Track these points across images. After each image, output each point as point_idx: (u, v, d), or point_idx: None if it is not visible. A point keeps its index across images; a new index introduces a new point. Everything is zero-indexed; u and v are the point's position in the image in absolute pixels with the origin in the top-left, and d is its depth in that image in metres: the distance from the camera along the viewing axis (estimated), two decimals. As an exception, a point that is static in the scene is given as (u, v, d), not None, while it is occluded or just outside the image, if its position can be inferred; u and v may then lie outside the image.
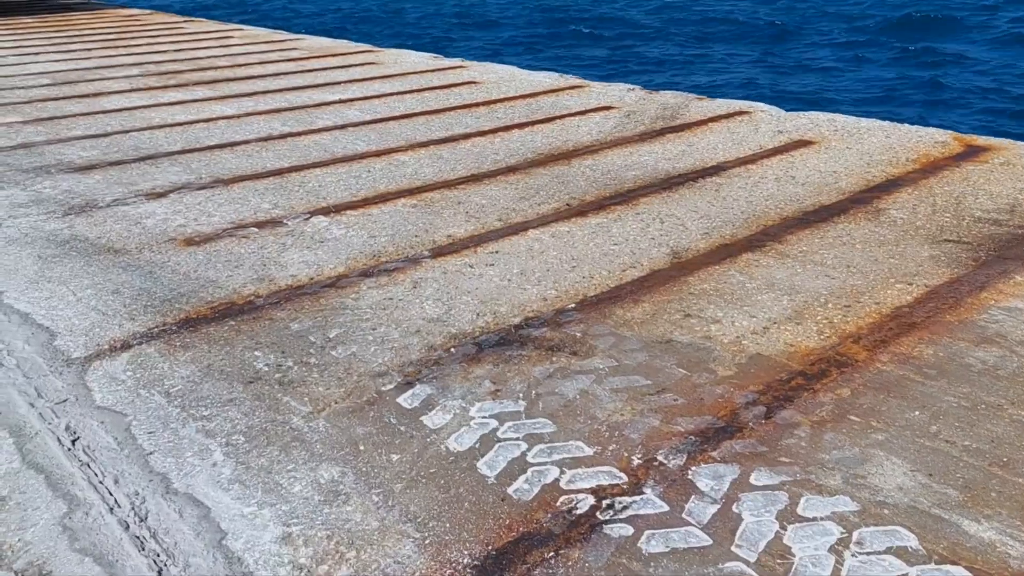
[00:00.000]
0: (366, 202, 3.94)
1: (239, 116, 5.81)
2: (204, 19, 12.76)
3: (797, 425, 2.05)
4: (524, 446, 1.99)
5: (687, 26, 22.35)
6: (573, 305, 2.79)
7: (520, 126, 5.43)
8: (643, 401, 2.18)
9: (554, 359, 2.43)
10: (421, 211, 3.81)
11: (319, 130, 5.38)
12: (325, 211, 3.81)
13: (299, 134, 5.28)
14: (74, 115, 5.86)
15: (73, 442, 2.06)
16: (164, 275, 3.11)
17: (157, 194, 4.09)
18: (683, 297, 2.84)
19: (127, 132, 5.36)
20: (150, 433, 2.08)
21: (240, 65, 7.99)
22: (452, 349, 2.51)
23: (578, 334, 2.58)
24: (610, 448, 1.98)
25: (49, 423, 2.15)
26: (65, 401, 2.25)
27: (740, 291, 2.87)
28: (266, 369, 2.41)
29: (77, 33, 10.70)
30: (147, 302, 2.88)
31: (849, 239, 3.34)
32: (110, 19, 12.49)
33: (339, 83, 7.02)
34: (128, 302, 2.88)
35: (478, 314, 2.74)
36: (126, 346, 2.56)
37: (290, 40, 9.86)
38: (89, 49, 9.18)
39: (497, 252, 3.30)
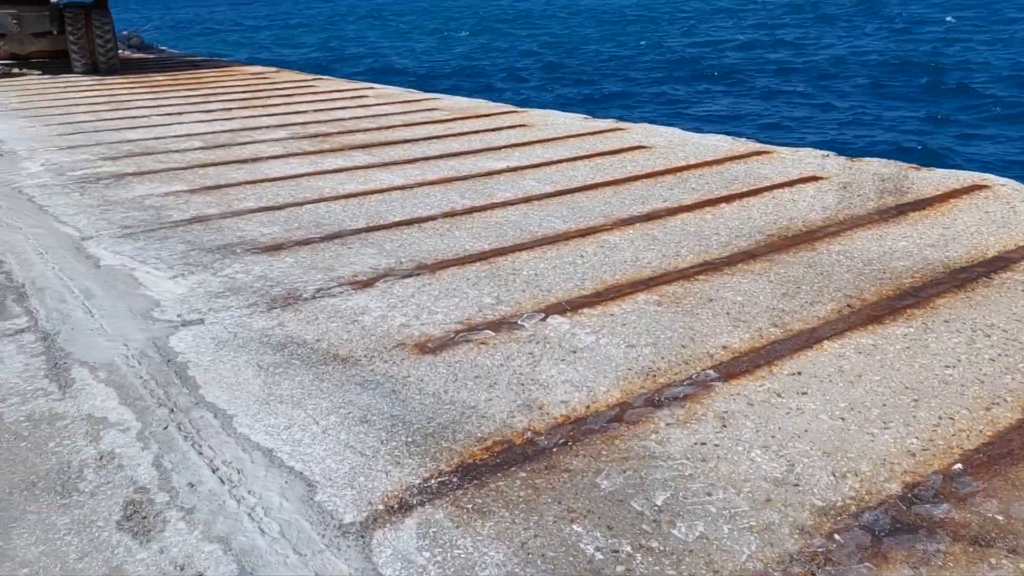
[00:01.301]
0: (600, 297, 3.41)
1: (410, 186, 5.43)
2: (331, 77, 12.79)
3: None
4: None
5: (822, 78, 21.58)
6: (959, 466, 2.16)
7: (725, 200, 4.86)
8: None
9: (990, 559, 1.80)
10: (670, 311, 3.25)
11: (503, 204, 4.93)
12: (558, 309, 3.30)
13: (484, 208, 4.84)
14: (239, 183, 5.60)
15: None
16: (411, 396, 2.62)
17: (361, 283, 3.67)
18: (1099, 456, 2.17)
19: (301, 204, 5.02)
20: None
21: (387, 127, 7.72)
22: (836, 535, 1.90)
23: (998, 516, 1.94)
24: None
25: (353, 636, 1.64)
26: (362, 597, 1.74)
27: None
28: (600, 558, 1.85)
29: (211, 92, 10.76)
30: (407, 437, 2.38)
31: None
32: (239, 77, 12.64)
33: (498, 148, 6.62)
34: (384, 436, 2.39)
35: (835, 474, 2.14)
36: (406, 507, 2.05)
37: (427, 99, 9.63)
38: (229, 109, 9.13)
39: (800, 374, 2.69)
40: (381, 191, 5.33)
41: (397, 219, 4.68)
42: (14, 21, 12.81)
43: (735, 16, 40.56)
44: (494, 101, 9.78)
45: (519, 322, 3.18)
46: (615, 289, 3.51)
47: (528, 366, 2.82)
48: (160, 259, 4.04)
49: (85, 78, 12.69)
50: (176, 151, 6.77)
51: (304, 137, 7.29)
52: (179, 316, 3.33)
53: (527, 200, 4.99)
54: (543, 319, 3.20)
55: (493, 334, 3.08)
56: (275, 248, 4.19)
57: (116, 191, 5.42)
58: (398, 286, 3.62)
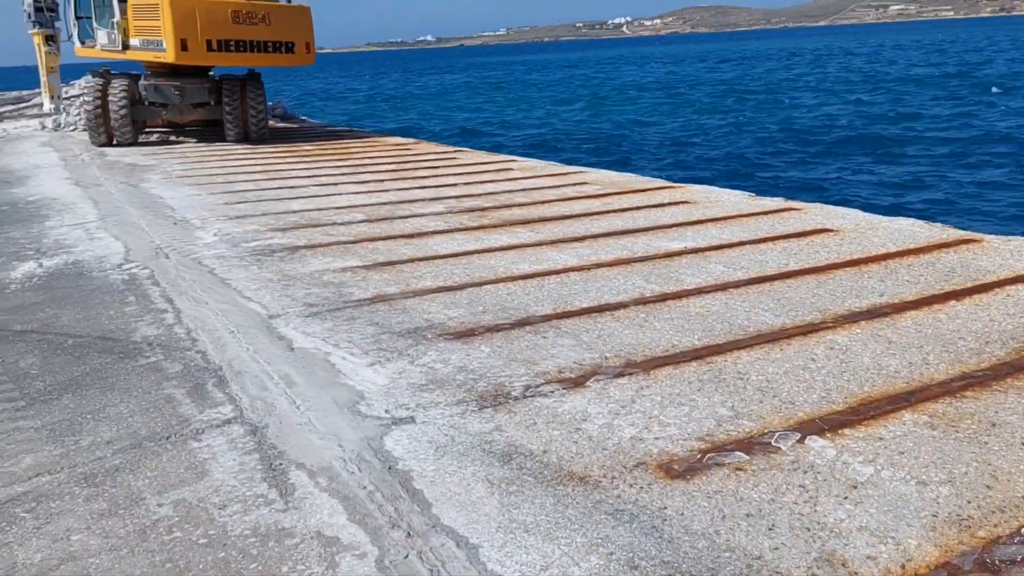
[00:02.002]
0: (857, 415, 2.97)
1: (586, 267, 5.16)
2: (470, 149, 12.94)
3: None
4: None
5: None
6: None
7: (953, 296, 4.33)
8: None
9: None
10: (951, 438, 2.77)
11: (696, 291, 4.57)
12: (813, 428, 2.87)
13: (676, 296, 4.49)
14: (411, 260, 5.48)
15: None
16: (678, 535, 2.25)
17: (571, 381, 3.36)
18: None
19: (479, 285, 4.82)
20: None
21: (542, 202, 7.55)
22: None
23: None
24: None
25: None
26: None
27: None
28: None
29: (359, 163, 10.99)
30: (693, 594, 2.00)
31: None
32: (382, 147, 12.94)
33: (667, 226, 6.30)
34: (665, 591, 2.02)
35: None
36: None
37: (574, 172, 9.47)
38: (380, 180, 9.23)
39: None
40: (557, 272, 5.07)
41: (584, 305, 4.39)
42: (176, 92, 13.63)
43: (852, 90, 39.46)
44: (627, 172, 9.54)
45: (772, 443, 2.77)
46: (870, 404, 3.05)
47: (805, 503, 2.40)
48: (353, 343, 3.87)
49: (238, 146, 13.30)
50: (340, 223, 6.79)
51: (461, 211, 7.19)
52: (387, 412, 3.10)
53: (722, 288, 4.61)
54: (800, 440, 2.78)
55: (747, 457, 2.68)
56: (467, 334, 3.96)
57: (292, 265, 5.40)
58: (613, 387, 3.28)
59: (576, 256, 5.45)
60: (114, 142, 13.46)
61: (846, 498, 2.42)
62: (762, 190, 8.72)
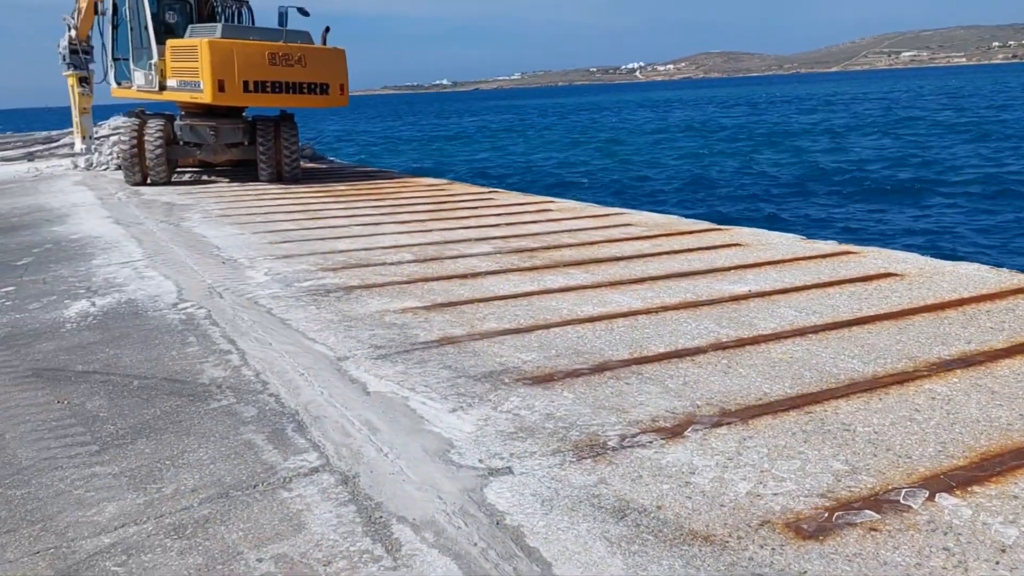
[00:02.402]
0: (983, 471, 2.80)
1: (653, 310, 5.03)
2: (503, 189, 12.93)
3: None
4: None
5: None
6: None
7: (1045, 344, 4.17)
8: None
9: None
10: (1091, 497, 2.60)
11: (774, 337, 4.42)
12: (939, 484, 2.71)
13: (753, 341, 4.35)
14: (470, 300, 5.37)
15: None
16: (827, 604, 2.09)
17: (667, 431, 3.21)
18: None
19: (547, 327, 4.70)
20: None
21: (589, 243, 7.45)
22: None
23: None
24: None
25: None
26: None
27: None
28: None
29: (396, 203, 10.97)
30: (863, 672, 1.84)
31: None
32: (416, 188, 12.95)
33: (725, 269, 6.17)
34: (832, 668, 1.85)
35: None
36: None
37: (615, 214, 9.40)
38: (422, 220, 9.19)
39: None
40: (624, 315, 4.95)
41: (661, 349, 4.25)
42: (212, 132, 13.76)
43: (876, 132, 39.56)
44: (661, 212, 9.45)
45: (900, 500, 2.61)
46: (993, 459, 2.89)
47: (955, 568, 2.23)
48: (429, 387, 3.74)
49: (272, 186, 13.36)
50: (391, 263, 6.71)
51: (510, 252, 7.10)
52: (481, 462, 2.96)
53: (799, 333, 4.47)
54: (929, 498, 2.62)
55: (878, 516, 2.52)
56: (545, 379, 3.82)
57: (351, 305, 5.30)
58: (713, 438, 3.13)
59: (640, 299, 5.33)
60: (148, 181, 13.56)
61: (997, 563, 2.25)
62: (807, 233, 8.61)
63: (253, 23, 15.27)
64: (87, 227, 9.11)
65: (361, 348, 4.38)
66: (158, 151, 13.36)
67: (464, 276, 6.14)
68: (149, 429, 3.43)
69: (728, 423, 3.27)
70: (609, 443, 3.11)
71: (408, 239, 7.92)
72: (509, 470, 2.89)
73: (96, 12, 15.24)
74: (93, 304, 5.61)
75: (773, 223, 15.69)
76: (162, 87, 13.77)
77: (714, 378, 3.80)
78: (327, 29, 14.22)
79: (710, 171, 27.89)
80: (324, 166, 17.98)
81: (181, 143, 13.81)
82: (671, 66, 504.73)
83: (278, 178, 13.94)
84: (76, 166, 17.52)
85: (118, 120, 24.24)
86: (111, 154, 17.25)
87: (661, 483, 2.78)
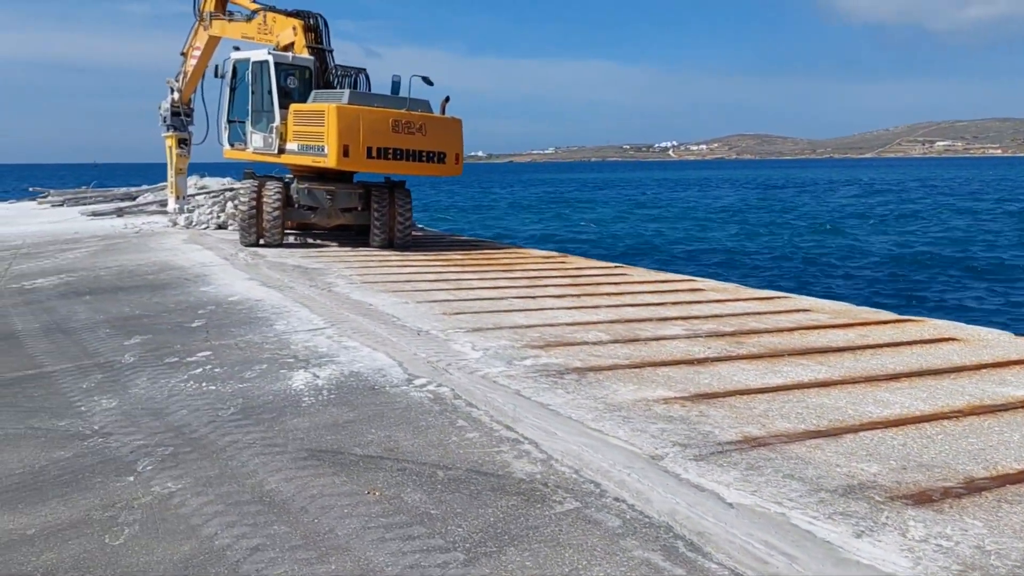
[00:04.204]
0: None
1: (945, 415, 4.57)
2: (625, 264, 12.63)
3: None
4: None
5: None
6: None
7: None
8: None
9: None
10: None
11: (1125, 454, 3.94)
12: None
13: (1108, 459, 3.87)
14: (728, 392, 4.94)
15: None
16: None
17: None
18: None
19: (854, 431, 4.24)
20: None
21: (788, 330, 7.01)
22: None
23: None
24: None
25: None
26: None
27: None
28: None
29: (527, 275, 10.63)
30: None
31: None
32: (532, 259, 12.67)
33: (972, 368, 5.70)
34: None
35: None
36: None
37: (780, 298, 9.00)
38: (574, 296, 8.83)
39: None
40: (917, 419, 4.48)
41: (1016, 465, 3.78)
42: (329, 197, 13.71)
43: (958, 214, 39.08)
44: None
45: None
46: None
47: None
48: (794, 501, 3.31)
49: (385, 251, 13.19)
50: (592, 343, 6.33)
51: (709, 336, 6.69)
52: (963, 607, 2.50)
53: None
54: None
55: None
56: (923, 500, 3.37)
57: (599, 391, 4.91)
58: None
59: (919, 400, 4.86)
60: (261, 242, 13.47)
61: None
62: (967, 319, 8.12)
63: (370, 90, 15.40)
64: (238, 289, 8.89)
65: (665, 446, 3.96)
66: (275, 213, 13.31)
67: (690, 362, 5.73)
68: (506, 536, 3.02)
69: None
70: (1092, 589, 2.64)
71: (581, 315, 7.55)
72: (1011, 621, 2.43)
73: (216, 75, 15.46)
74: (316, 376, 5.28)
75: (917, 308, 15.14)
76: (280, 150, 13.82)
77: (1119, 506, 3.32)
78: (447, 99, 14.29)
79: (803, 249, 27.49)
80: (420, 233, 17.88)
81: (296, 206, 13.76)
82: (704, 146, 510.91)
83: (389, 244, 13.80)
84: (175, 223, 17.59)
85: (207, 180, 24.57)
86: (211, 213, 17.34)
87: None
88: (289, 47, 14.89)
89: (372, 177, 14.80)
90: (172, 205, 19.72)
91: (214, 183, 24.86)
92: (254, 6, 16.08)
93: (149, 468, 3.86)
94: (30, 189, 32.16)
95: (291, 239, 14.80)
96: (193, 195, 20.70)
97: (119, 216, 21.04)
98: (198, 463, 3.90)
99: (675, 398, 4.81)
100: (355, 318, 7.18)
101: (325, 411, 4.57)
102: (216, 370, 5.52)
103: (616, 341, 6.43)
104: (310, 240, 14.77)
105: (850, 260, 25.06)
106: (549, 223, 42.03)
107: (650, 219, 43.18)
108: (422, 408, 4.57)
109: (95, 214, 21.17)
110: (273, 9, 15.57)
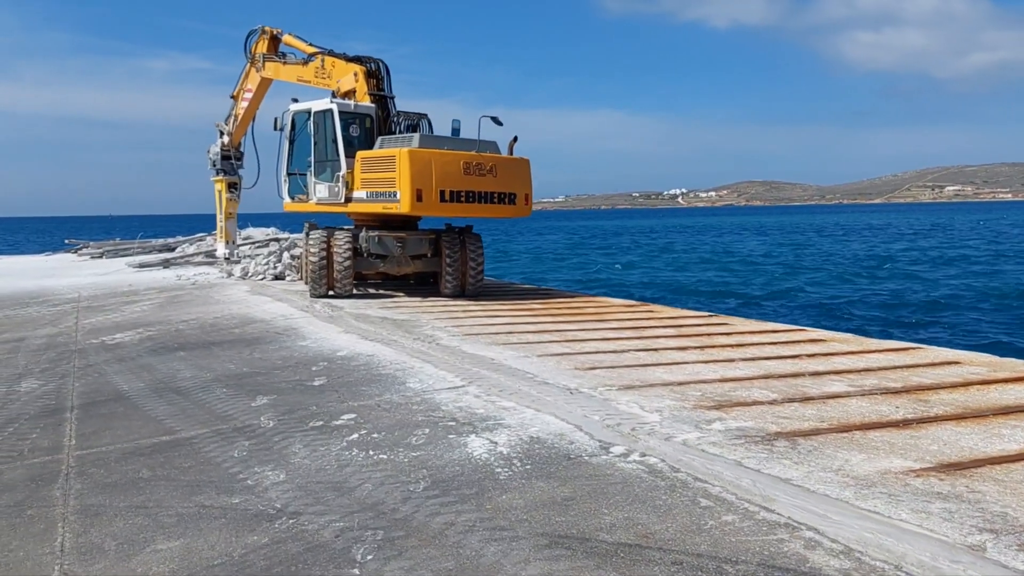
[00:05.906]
0: None
1: None
2: (723, 314, 12.08)
3: None
4: None
5: None
6: None
7: None
8: None
9: None
10: None
11: None
12: None
13: None
14: (968, 463, 4.37)
15: None
16: None
17: None
18: None
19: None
20: None
21: (964, 385, 6.43)
22: None
23: None
24: None
25: None
26: None
27: None
28: None
29: (625, 326, 10.09)
30: None
31: None
32: (615, 308, 12.14)
33: None
34: None
35: None
36: None
37: (916, 348, 8.42)
38: (700, 348, 8.28)
39: None
40: None
41: None
42: (399, 244, 13.30)
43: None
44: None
45: None
46: None
47: None
48: None
49: (463, 301, 12.72)
50: (761, 402, 5.76)
51: (875, 392, 6.10)
52: None
53: None
54: None
55: None
56: None
57: (826, 460, 4.36)
58: None
59: None
60: (331, 293, 13.03)
61: None
62: None
63: (432, 134, 15.11)
64: (341, 343, 8.39)
65: (971, 532, 3.39)
66: (347, 263, 12.89)
67: (895, 425, 5.16)
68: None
69: None
70: None
71: (723, 370, 6.98)
72: None
73: (275, 128, 15.14)
74: (494, 443, 4.73)
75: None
76: (347, 199, 13.45)
77: None
78: (515, 139, 13.94)
79: (883, 294, 26.90)
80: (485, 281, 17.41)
81: (365, 255, 13.34)
82: (713, 193, 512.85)
83: (461, 292, 13.34)
84: (230, 274, 17.20)
85: (250, 231, 24.23)
86: (267, 264, 16.95)
87: None
88: (349, 93, 14.58)
89: (435, 223, 14.43)
90: (222, 250, 19.39)
91: (258, 233, 24.64)
92: (311, 49, 15.86)
93: (370, 557, 3.31)
94: (66, 241, 32.03)
95: (358, 289, 14.37)
96: (238, 245, 20.39)
97: (165, 267, 20.72)
98: (423, 551, 3.35)
99: (922, 470, 4.23)
100: (489, 375, 6.65)
101: (532, 486, 4.02)
102: (374, 435, 4.98)
103: (789, 400, 5.86)
104: (371, 290, 14.31)
105: (943, 305, 24.39)
106: (585, 269, 41.64)
107: (702, 264, 42.69)
108: (644, 483, 4.02)
109: (142, 265, 20.85)
110: (332, 53, 15.28)
